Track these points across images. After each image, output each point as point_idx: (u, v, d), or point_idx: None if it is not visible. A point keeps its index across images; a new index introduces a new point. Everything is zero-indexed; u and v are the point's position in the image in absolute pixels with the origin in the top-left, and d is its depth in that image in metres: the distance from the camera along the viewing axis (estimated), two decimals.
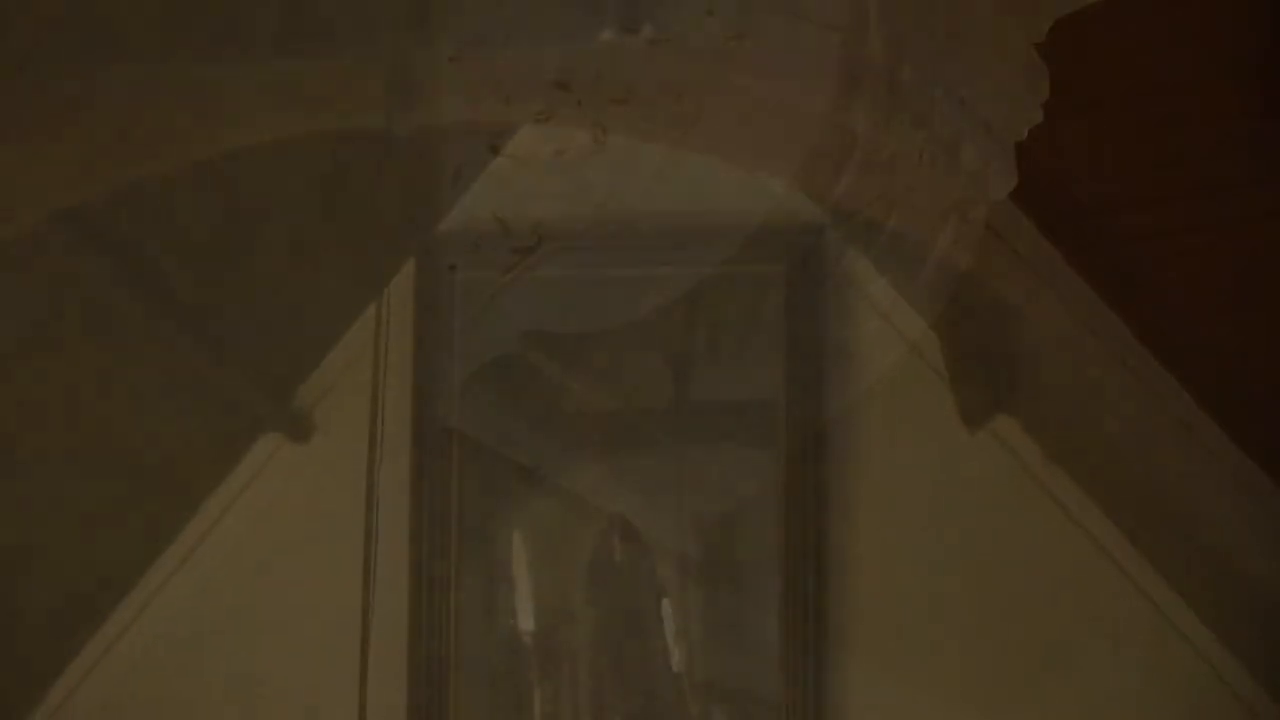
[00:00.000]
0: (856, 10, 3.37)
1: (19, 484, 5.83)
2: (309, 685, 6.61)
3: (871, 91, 3.06)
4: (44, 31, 3.70)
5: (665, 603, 6.67)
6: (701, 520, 6.71)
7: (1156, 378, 5.42)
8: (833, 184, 3.27)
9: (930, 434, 6.58)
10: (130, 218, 5.12)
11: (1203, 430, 5.67)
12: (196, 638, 6.78)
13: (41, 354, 5.43)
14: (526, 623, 6.71)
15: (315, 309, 6.63)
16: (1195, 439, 5.31)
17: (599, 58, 4.08)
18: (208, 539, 6.79)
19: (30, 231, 4.10)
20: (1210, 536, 5.64)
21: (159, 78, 3.63)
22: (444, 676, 6.55)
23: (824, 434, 6.54)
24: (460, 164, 6.85)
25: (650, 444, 6.72)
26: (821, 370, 6.55)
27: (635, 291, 6.82)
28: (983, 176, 3.29)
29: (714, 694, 6.63)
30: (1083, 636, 6.44)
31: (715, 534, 6.78)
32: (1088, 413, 5.83)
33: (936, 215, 3.09)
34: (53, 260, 5.03)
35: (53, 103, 3.59)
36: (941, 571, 6.53)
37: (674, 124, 3.38)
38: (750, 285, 6.69)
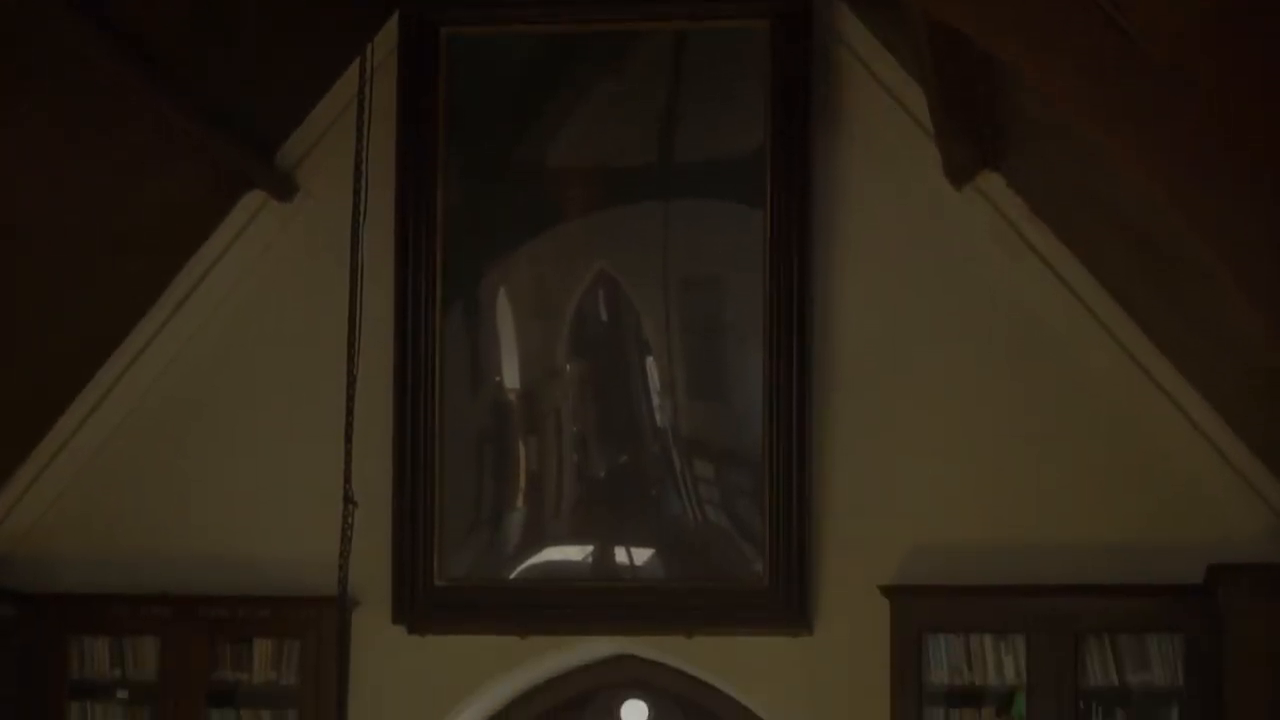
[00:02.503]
0: None
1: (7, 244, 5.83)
2: (293, 439, 6.66)
3: None
4: None
5: (650, 360, 6.70)
6: (686, 277, 6.72)
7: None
8: None
9: (915, 189, 6.57)
10: None
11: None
12: (183, 389, 6.82)
13: (20, 115, 5.40)
14: (511, 380, 6.74)
15: (297, 67, 6.57)
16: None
17: None
18: (194, 294, 6.80)
19: None
20: (1196, 292, 5.63)
21: None
22: (429, 433, 6.59)
23: (809, 189, 6.52)
24: None
25: (636, 201, 6.70)
26: (807, 126, 6.52)
27: (620, 46, 6.76)
28: None
29: (697, 449, 6.67)
30: (1062, 387, 6.48)
31: (700, 291, 6.79)
32: (1075, 170, 5.79)
33: None
34: (29, 19, 4.98)
35: None
36: (924, 325, 6.55)
37: None
38: (735, 40, 6.63)
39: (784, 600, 6.47)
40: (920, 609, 6.38)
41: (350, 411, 5.71)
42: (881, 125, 6.59)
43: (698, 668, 6.68)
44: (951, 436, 6.48)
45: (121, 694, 6.64)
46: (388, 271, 6.47)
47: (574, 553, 6.67)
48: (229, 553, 6.65)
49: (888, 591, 6.36)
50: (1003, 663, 6.33)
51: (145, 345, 6.78)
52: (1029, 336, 6.52)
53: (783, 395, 6.48)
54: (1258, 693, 5.93)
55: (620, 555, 6.66)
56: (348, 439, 5.70)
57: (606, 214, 6.70)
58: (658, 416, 6.68)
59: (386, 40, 6.52)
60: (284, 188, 6.72)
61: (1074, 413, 6.47)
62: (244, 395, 6.76)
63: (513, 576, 6.63)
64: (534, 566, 6.63)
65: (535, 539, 6.65)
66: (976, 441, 6.48)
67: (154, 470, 6.76)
